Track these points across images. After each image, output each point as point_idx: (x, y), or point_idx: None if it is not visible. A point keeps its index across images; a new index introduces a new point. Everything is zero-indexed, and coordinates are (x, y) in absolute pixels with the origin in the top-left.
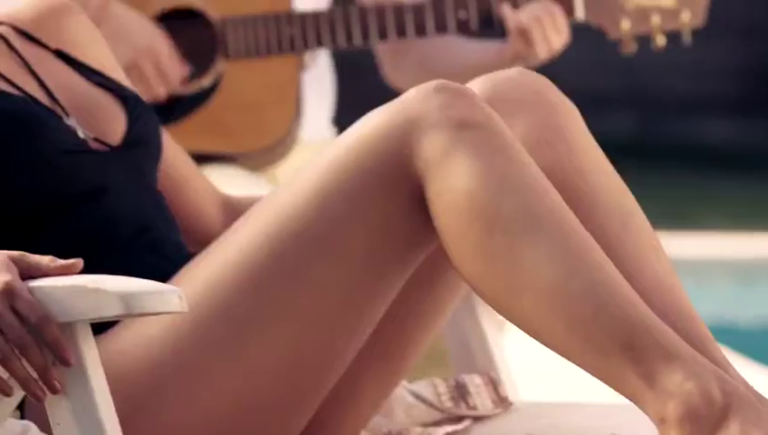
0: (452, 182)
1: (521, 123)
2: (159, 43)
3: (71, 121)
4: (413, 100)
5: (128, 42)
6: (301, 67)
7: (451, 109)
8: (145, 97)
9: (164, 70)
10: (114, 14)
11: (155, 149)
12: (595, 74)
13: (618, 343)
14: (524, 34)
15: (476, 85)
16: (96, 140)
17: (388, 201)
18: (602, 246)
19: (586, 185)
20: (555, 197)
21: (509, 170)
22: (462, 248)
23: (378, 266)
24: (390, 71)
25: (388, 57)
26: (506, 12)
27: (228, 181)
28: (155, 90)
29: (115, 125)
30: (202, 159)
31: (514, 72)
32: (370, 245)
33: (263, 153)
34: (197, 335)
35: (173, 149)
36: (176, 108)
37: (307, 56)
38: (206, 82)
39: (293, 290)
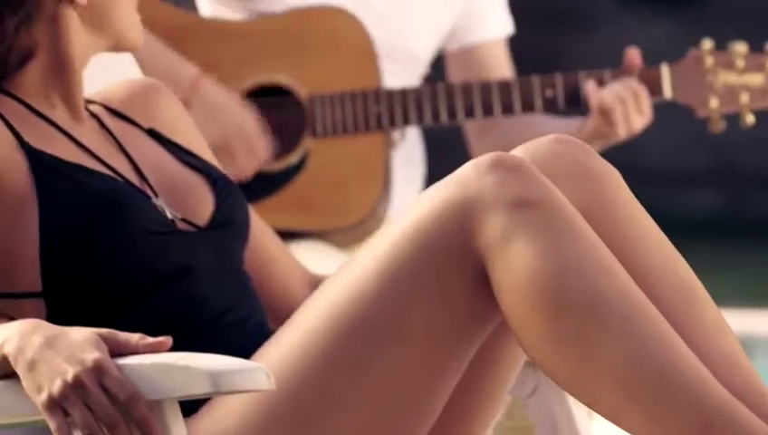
0: (514, 264)
1: (565, 196)
2: (250, 123)
3: (159, 202)
4: (469, 177)
5: (219, 120)
6: (389, 144)
7: (507, 186)
8: (234, 176)
9: (254, 150)
10: (206, 92)
11: (242, 230)
12: (682, 152)
13: (696, 428)
14: (606, 114)
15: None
16: (184, 220)
17: (450, 279)
18: (668, 323)
19: (641, 257)
20: (621, 274)
21: (572, 250)
22: (529, 333)
23: (443, 344)
24: (475, 147)
25: (474, 134)
26: (590, 89)
27: (315, 258)
28: (245, 170)
29: (204, 205)
30: (289, 235)
31: (551, 139)
32: (434, 323)
33: (349, 230)
34: (268, 422)
35: (261, 228)
36: (263, 185)
37: (396, 133)
38: (293, 159)
39: (359, 374)
